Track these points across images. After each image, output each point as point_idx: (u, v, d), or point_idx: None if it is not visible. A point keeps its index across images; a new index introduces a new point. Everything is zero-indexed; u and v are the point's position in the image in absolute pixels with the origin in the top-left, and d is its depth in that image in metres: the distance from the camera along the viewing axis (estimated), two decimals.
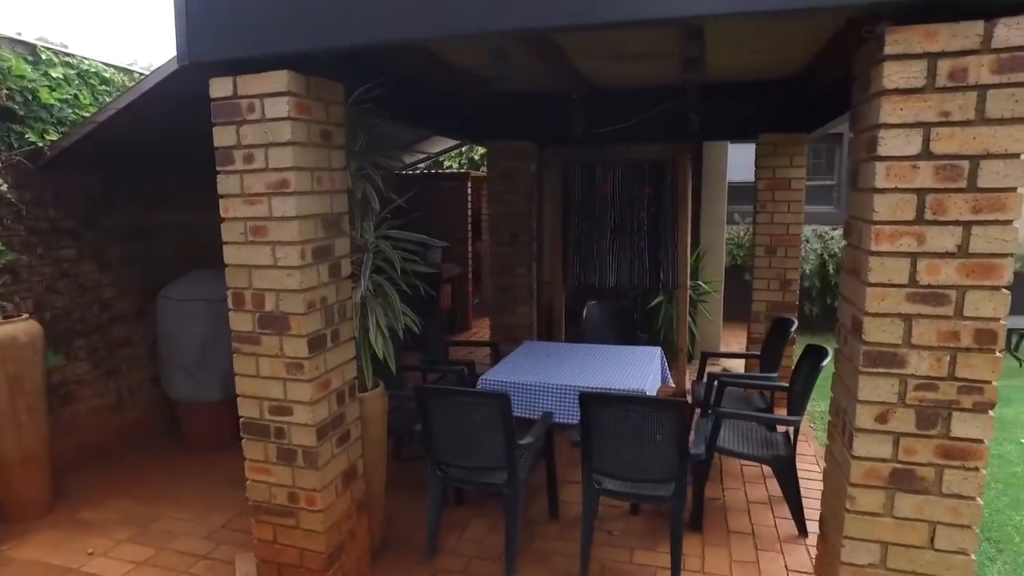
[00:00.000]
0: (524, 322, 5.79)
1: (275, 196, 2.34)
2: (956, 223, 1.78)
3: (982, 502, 1.91)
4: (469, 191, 8.38)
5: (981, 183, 1.76)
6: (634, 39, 3.31)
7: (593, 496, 2.95)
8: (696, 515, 3.33)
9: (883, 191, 1.82)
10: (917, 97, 1.76)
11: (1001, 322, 1.81)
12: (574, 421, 3.47)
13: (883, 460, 1.94)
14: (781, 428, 3.85)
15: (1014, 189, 1.75)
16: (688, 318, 5.88)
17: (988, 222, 1.77)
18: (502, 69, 2.94)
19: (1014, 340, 6.73)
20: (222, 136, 2.38)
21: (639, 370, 3.83)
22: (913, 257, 1.82)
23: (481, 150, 8.96)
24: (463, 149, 9.09)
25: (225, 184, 2.41)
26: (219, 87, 2.35)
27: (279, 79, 2.26)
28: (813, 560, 3.04)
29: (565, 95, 4.62)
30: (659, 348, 4.41)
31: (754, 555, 3.11)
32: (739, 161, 8.80)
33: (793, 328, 4.12)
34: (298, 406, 2.48)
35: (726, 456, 3.50)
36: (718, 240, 6.73)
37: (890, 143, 1.80)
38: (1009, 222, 1.76)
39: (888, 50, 1.76)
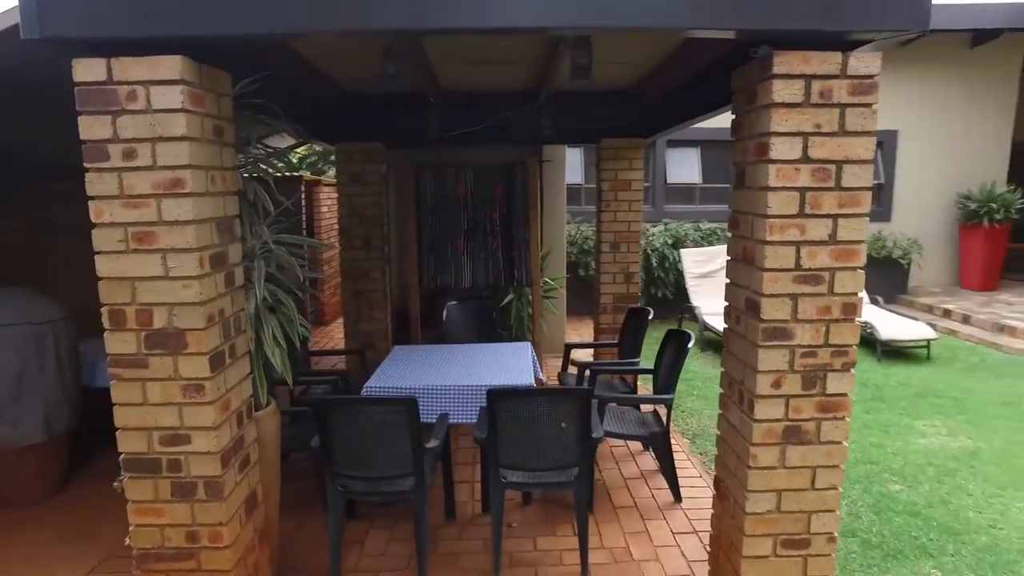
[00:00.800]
0: (381, 327, 5.69)
1: (167, 198, 2.11)
2: (828, 216, 2.18)
3: (847, 444, 2.34)
4: (303, 196, 7.99)
5: (844, 183, 2.16)
6: (495, 45, 3.47)
7: (500, 491, 3.04)
8: (590, 493, 3.58)
9: (774, 189, 2.15)
10: (798, 111, 2.12)
11: (859, 296, 2.25)
12: (471, 420, 3.55)
13: (777, 420, 2.30)
14: (647, 408, 4.27)
15: (867, 188, 2.18)
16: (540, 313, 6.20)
17: (850, 215, 2.18)
18: (391, 69, 2.92)
19: None
20: (92, 128, 2.08)
21: (518, 365, 4.00)
22: (797, 245, 2.19)
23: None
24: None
25: (98, 184, 2.11)
26: (87, 70, 2.05)
27: (171, 65, 2.04)
28: (691, 523, 3.44)
29: (417, 96, 4.65)
30: (529, 343, 4.63)
31: (642, 525, 3.42)
32: (568, 164, 9.43)
33: (650, 316, 4.58)
34: (198, 432, 2.25)
35: (607, 438, 3.79)
36: (559, 238, 7.17)
37: (779, 148, 2.13)
38: (864, 215, 2.19)
39: (776, 70, 2.10)
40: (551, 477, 3.10)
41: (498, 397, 2.94)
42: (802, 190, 2.16)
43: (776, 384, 2.27)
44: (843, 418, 2.31)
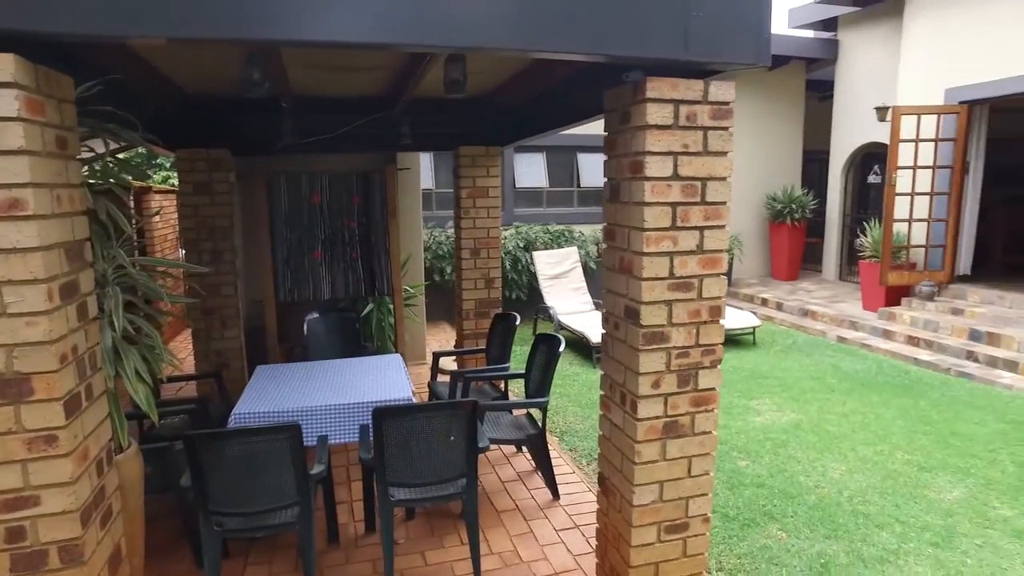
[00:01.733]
0: (235, 346, 5.29)
1: (3, 222, 1.82)
2: (696, 228, 2.39)
3: (716, 433, 2.59)
4: (132, 205, 7.17)
5: (708, 198, 2.39)
6: (349, 55, 3.39)
7: (388, 510, 2.98)
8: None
9: (650, 204, 2.32)
10: (668, 132, 2.31)
11: (722, 299, 2.50)
12: (352, 440, 3.42)
13: (658, 417, 2.48)
14: (519, 411, 4.39)
15: (725, 203, 2.42)
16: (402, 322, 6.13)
17: (713, 227, 2.41)
18: (255, 76, 2.74)
19: None
20: None
21: (392, 378, 3.93)
22: (671, 255, 2.38)
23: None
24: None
25: None
26: None
27: (2, 65, 1.76)
28: (571, 518, 3.60)
29: (268, 101, 4.40)
30: (398, 355, 4.56)
31: (526, 526, 3.52)
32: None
33: (516, 322, 4.70)
34: (51, 491, 1.96)
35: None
36: (417, 245, 7.11)
37: (653, 166, 2.31)
38: (723, 227, 2.43)
39: (649, 94, 2.26)
40: (440, 490, 3.08)
41: (384, 415, 2.87)
42: (674, 205, 2.35)
43: (656, 384, 2.45)
44: (712, 410, 2.55)
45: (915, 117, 7.56)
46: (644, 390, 2.44)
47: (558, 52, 2.18)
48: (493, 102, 5.08)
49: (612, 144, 2.58)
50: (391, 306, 6.18)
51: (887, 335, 7.43)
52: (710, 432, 2.57)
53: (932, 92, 7.92)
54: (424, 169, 9.84)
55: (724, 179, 2.41)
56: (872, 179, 10.20)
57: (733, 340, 7.54)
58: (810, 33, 11.08)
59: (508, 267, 8.98)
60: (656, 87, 2.28)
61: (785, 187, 10.82)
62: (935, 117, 7.62)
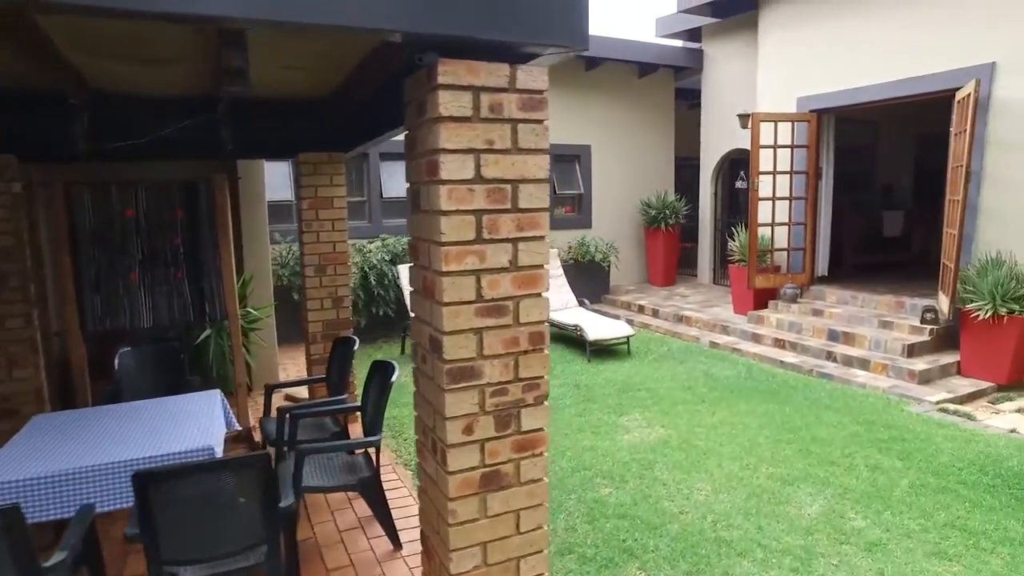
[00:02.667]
0: (29, 388, 4.42)
1: None
2: (507, 240, 2.01)
3: (547, 480, 2.22)
4: None
5: (522, 204, 2.02)
6: (150, 39, 2.80)
7: None
8: (291, 566, 3.05)
9: (447, 213, 1.91)
10: (467, 126, 1.91)
11: (545, 324, 2.13)
12: (128, 505, 2.78)
13: (474, 468, 2.07)
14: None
15: (544, 208, 2.06)
16: (243, 349, 5.45)
17: (529, 238, 2.04)
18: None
19: None
20: None
21: (199, 423, 3.31)
22: (478, 274, 1.98)
23: None
24: None
25: None
26: None
27: None
28: (412, 571, 3.13)
29: (56, 97, 3.66)
30: (217, 391, 3.92)
31: None
32: (274, 179, 8.63)
33: (355, 346, 4.18)
34: None
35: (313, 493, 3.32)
36: (263, 262, 6.42)
37: (450, 167, 1.90)
38: (542, 237, 2.06)
39: (440, 80, 1.86)
40: (234, 563, 2.53)
41: (150, 479, 2.29)
42: (478, 213, 1.96)
43: (468, 429, 2.04)
44: (541, 454, 2.18)
45: (772, 124, 7.76)
46: (454, 437, 2.02)
47: (322, 20, 1.72)
48: (332, 104, 4.55)
49: (411, 142, 2.16)
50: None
51: (756, 338, 7.54)
52: (540, 479, 2.20)
53: (786, 100, 8.18)
54: (283, 179, 9.10)
55: (540, 181, 2.04)
56: (739, 184, 10.50)
57: (608, 351, 7.37)
58: (679, 43, 11.34)
59: (374, 282, 8.41)
60: (451, 71, 1.88)
61: (659, 193, 10.95)
62: (790, 124, 7.85)
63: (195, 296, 5.14)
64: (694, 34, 11.07)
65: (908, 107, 8.62)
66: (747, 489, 3.91)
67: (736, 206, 11.11)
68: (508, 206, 2.00)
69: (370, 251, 8.75)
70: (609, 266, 10.31)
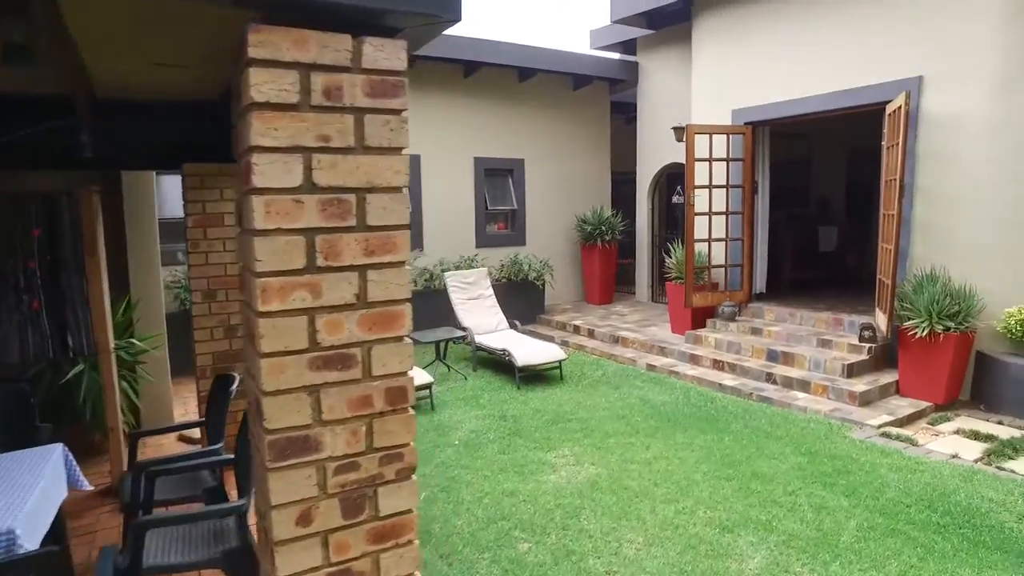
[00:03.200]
0: None
1: None
2: (351, 268, 1.53)
3: (419, 574, 1.73)
4: None
5: (371, 220, 1.55)
6: None
7: None
8: None
9: (265, 233, 1.43)
10: (293, 115, 1.43)
11: (409, 375, 1.65)
12: None
13: (316, 569, 1.56)
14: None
15: (402, 226, 1.59)
16: (122, 386, 4.78)
17: (383, 265, 1.57)
18: None
19: (442, 348, 7.86)
20: None
21: (11, 496, 2.67)
22: (311, 314, 1.49)
23: None
24: None
25: None
26: None
27: None
28: None
29: None
30: (60, 445, 3.27)
31: None
32: (176, 194, 7.88)
33: (235, 384, 3.61)
34: None
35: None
36: (153, 286, 5.73)
37: (267, 171, 1.41)
38: (401, 263, 1.60)
39: (253, 53, 1.38)
40: None
41: None
42: (310, 232, 1.48)
43: (304, 519, 1.53)
44: (409, 542, 1.69)
45: (707, 136, 7.56)
46: (284, 529, 1.52)
47: None
48: (222, 107, 3.97)
49: (235, 141, 1.66)
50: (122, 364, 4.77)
51: (694, 360, 7.24)
52: (411, 575, 1.70)
53: (721, 113, 8.02)
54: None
55: (396, 191, 1.58)
56: (676, 199, 10.33)
57: (539, 376, 6.94)
58: (616, 55, 11.16)
59: None
60: (267, 41, 1.40)
61: (595, 208, 10.67)
62: (725, 137, 7.67)
63: (56, 328, 4.45)
64: (629, 46, 10.91)
65: (840, 121, 8.61)
66: (683, 540, 3.50)
67: (674, 221, 10.95)
68: (352, 223, 1.52)
69: None
70: (544, 285, 9.92)
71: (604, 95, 11.21)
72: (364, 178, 1.53)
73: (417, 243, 9.49)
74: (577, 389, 6.56)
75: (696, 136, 7.48)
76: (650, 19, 9.62)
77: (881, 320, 6.29)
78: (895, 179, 5.93)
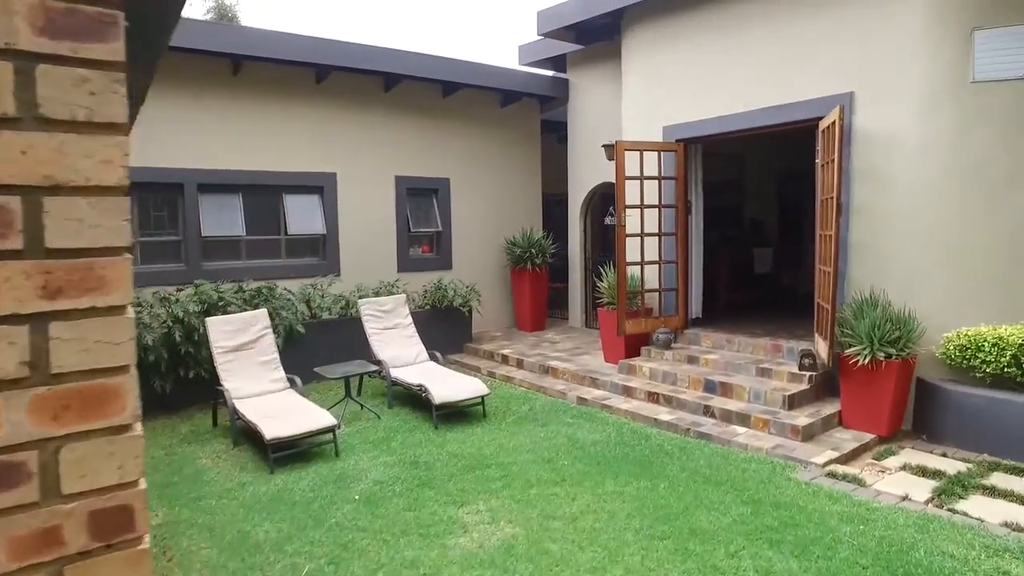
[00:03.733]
0: None
1: None
2: (16, 319, 0.92)
3: None
4: None
5: (53, 240, 0.94)
6: None
7: None
8: None
9: None
10: None
11: (139, 486, 1.04)
12: None
13: None
14: None
15: (118, 249, 0.99)
16: None
17: (79, 313, 0.96)
18: None
19: (357, 383, 7.16)
20: None
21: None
22: None
23: None
24: None
25: None
26: None
27: None
28: None
29: None
30: None
31: None
32: None
33: None
34: None
35: None
36: None
37: None
38: (119, 310, 0.99)
39: None
40: None
41: None
42: None
43: None
44: None
45: (638, 153, 7.22)
46: None
47: None
48: None
49: None
50: None
51: (628, 392, 6.79)
52: None
53: (652, 130, 7.73)
54: None
55: (106, 192, 0.98)
56: (608, 221, 9.98)
57: (460, 414, 6.33)
58: (547, 72, 10.82)
59: (181, 338, 6.92)
60: None
61: (525, 230, 10.22)
62: (656, 154, 7.36)
63: None
64: (559, 63, 10.60)
65: (773, 140, 8.46)
66: None
67: (607, 243, 10.59)
68: (16, 244, 0.91)
69: (178, 300, 7.26)
70: (471, 311, 9.35)
71: (534, 113, 10.85)
72: (38, 171, 0.93)
73: (333, 268, 8.80)
74: (500, 428, 5.98)
75: (626, 153, 7.12)
76: (579, 34, 9.32)
77: (821, 347, 6.00)
78: (831, 198, 5.67)
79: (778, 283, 9.97)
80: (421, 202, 9.72)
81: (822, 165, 6.07)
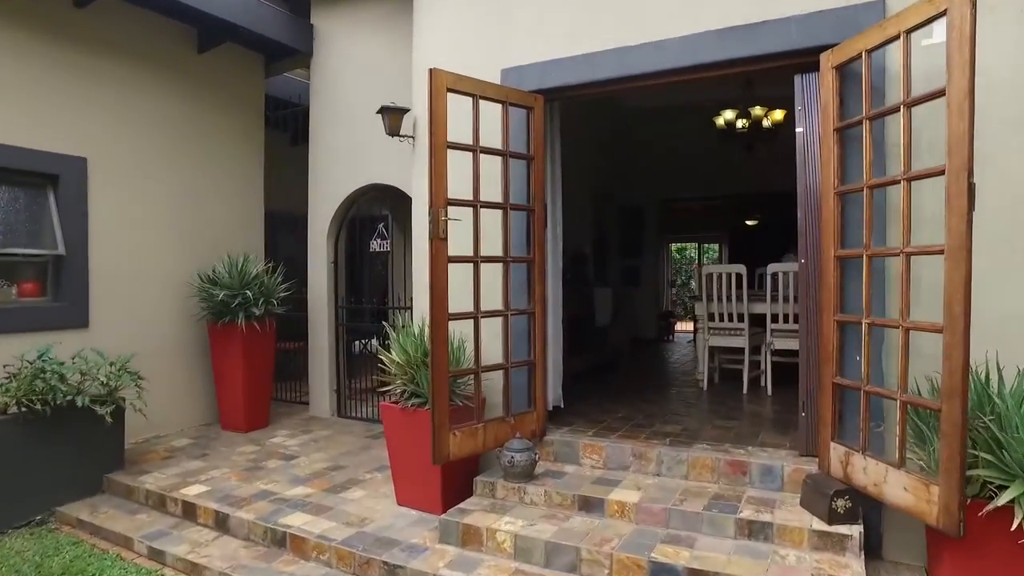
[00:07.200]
0: None
1: None
2: None
3: None
4: None
5: None
6: None
7: None
8: None
9: None
10: None
11: None
12: None
13: None
14: None
15: None
16: None
17: None
18: None
19: None
20: None
21: None
22: None
23: None
24: None
25: None
26: None
27: None
28: None
29: None
30: None
31: None
32: None
33: None
34: None
35: None
36: None
37: None
38: None
39: None
40: None
41: None
42: None
43: None
44: None
45: (470, 101, 3.85)
46: None
47: None
48: None
49: None
50: None
51: None
52: None
53: (481, 76, 4.45)
54: None
55: None
56: (378, 246, 6.41)
57: None
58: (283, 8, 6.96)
59: None
60: None
61: (234, 259, 6.08)
62: (500, 110, 4.03)
63: None
64: (299, 8, 6.89)
65: (586, 145, 5.75)
66: None
67: (374, 281, 6.97)
68: None
69: None
70: (122, 412, 4.87)
71: (255, 75, 6.89)
72: None
73: None
74: None
75: (450, 96, 3.72)
76: None
77: (873, 471, 3.16)
78: (953, 172, 2.92)
79: (616, 339, 7.28)
80: (20, 198, 5.08)
81: (839, 130, 3.36)
